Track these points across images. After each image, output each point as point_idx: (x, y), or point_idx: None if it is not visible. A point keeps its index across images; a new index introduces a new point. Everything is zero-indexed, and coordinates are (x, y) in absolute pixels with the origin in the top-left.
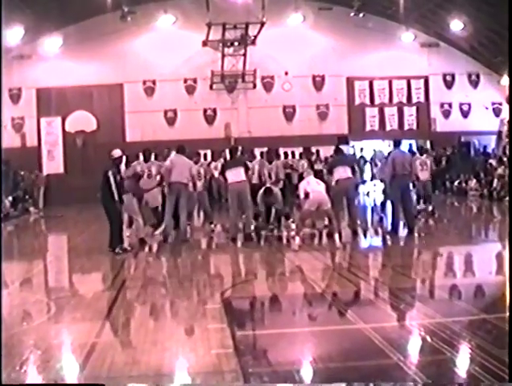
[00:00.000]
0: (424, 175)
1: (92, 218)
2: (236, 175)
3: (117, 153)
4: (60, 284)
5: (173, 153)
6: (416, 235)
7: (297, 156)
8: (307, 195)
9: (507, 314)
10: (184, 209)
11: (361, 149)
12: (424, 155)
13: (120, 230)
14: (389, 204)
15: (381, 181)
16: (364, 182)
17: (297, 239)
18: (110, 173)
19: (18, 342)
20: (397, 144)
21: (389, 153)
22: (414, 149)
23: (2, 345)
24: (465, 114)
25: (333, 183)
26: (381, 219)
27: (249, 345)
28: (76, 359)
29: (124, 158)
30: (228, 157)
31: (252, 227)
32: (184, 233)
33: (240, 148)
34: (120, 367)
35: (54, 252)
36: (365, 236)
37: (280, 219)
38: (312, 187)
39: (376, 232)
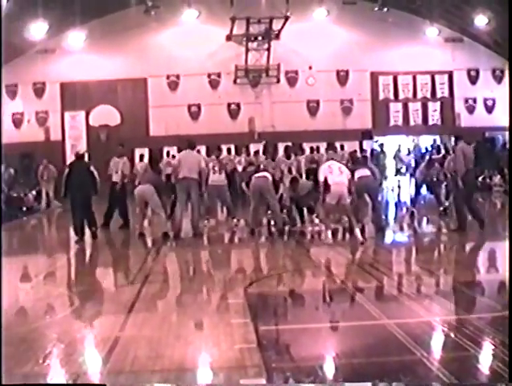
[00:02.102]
0: None
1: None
2: (259, 172)
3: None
4: (83, 277)
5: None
6: (445, 231)
7: (322, 151)
8: (328, 187)
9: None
10: (196, 204)
11: (382, 145)
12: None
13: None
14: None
15: (448, 175)
16: (386, 177)
17: (329, 233)
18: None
19: (41, 335)
20: (460, 137)
21: (454, 146)
22: (439, 144)
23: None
24: (490, 109)
25: (355, 179)
26: (412, 214)
27: (273, 340)
28: (99, 352)
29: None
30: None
31: (281, 223)
32: (197, 227)
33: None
34: (143, 361)
35: (76, 245)
36: (388, 231)
37: (303, 213)
38: (334, 178)
39: (401, 228)
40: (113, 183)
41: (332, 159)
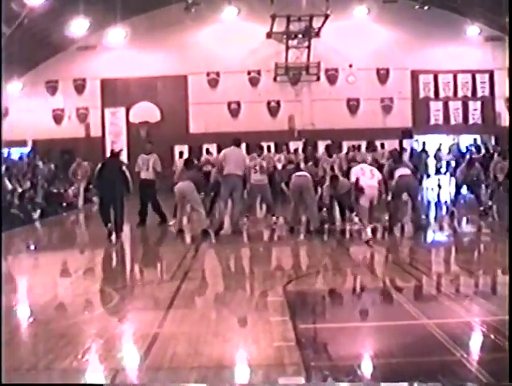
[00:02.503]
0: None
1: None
2: (298, 170)
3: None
4: (122, 273)
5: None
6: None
7: (363, 149)
8: (361, 189)
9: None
10: (239, 201)
11: (424, 144)
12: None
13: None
14: None
15: (491, 176)
16: (428, 176)
17: (368, 231)
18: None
19: (80, 331)
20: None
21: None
22: (479, 143)
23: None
24: None
25: (396, 178)
26: (452, 214)
27: (311, 338)
28: (138, 349)
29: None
30: None
31: (317, 223)
32: (236, 224)
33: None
34: (182, 358)
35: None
36: (428, 231)
37: (344, 212)
38: (366, 181)
39: (441, 228)
40: (143, 181)
41: (364, 162)
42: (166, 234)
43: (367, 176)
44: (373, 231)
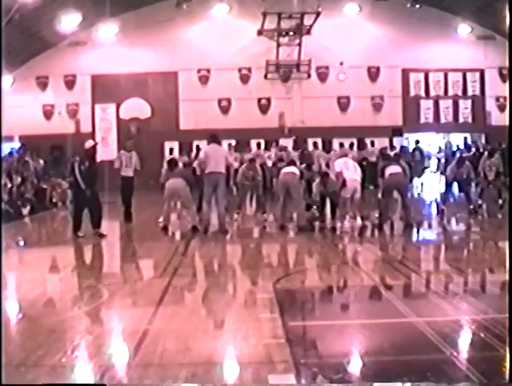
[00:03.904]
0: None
1: (145, 204)
2: (287, 168)
3: (88, 143)
4: (112, 270)
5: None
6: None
7: (355, 147)
8: (344, 182)
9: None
10: (222, 199)
11: (418, 142)
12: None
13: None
14: None
15: (481, 174)
16: (420, 175)
17: (346, 223)
18: (76, 164)
19: (70, 327)
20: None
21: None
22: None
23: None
24: None
25: (386, 176)
26: (442, 212)
27: (301, 336)
28: (128, 345)
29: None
30: None
31: (304, 220)
32: (223, 222)
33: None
34: (172, 354)
35: (106, 238)
36: (417, 229)
37: (335, 209)
38: (349, 175)
39: (431, 226)
40: (124, 178)
41: (346, 156)
42: (155, 231)
43: (351, 170)
44: (363, 228)
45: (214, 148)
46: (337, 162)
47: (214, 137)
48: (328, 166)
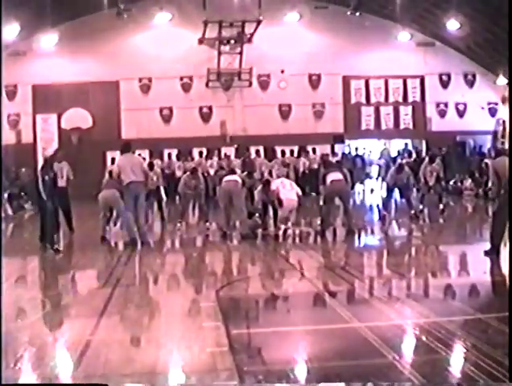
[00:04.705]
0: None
1: (87, 214)
2: (229, 176)
3: (48, 153)
4: (55, 281)
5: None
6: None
7: (295, 154)
8: (280, 202)
9: (507, 314)
10: (143, 209)
11: (357, 149)
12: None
13: (51, 229)
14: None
15: (422, 180)
16: (362, 181)
17: (288, 231)
18: (39, 173)
19: (12, 339)
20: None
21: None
22: (410, 148)
23: (2, 344)
24: (461, 114)
25: (328, 183)
26: (383, 218)
27: (245, 343)
28: (71, 356)
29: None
30: None
31: (246, 228)
32: (145, 235)
33: None
34: (114, 364)
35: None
36: (359, 234)
37: (277, 216)
38: (286, 194)
39: (372, 232)
40: (59, 189)
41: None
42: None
43: (287, 188)
44: (306, 235)
45: (127, 157)
46: (274, 182)
47: (127, 146)
48: (270, 174)
